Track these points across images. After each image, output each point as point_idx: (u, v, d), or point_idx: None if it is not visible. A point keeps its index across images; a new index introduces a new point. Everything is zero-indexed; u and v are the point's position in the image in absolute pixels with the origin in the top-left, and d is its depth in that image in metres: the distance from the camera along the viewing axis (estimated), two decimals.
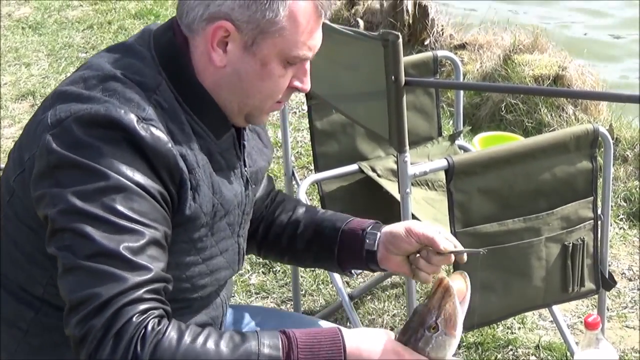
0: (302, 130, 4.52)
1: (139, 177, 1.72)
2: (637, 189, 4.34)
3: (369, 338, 1.64)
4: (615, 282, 2.97)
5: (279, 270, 3.72)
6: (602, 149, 2.84)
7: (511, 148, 2.82)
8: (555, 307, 3.05)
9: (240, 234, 2.15)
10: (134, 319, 1.57)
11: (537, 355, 3.19)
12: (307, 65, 1.98)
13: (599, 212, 2.85)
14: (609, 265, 2.95)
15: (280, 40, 1.88)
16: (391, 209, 2.98)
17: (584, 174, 2.76)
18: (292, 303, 3.43)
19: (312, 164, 3.49)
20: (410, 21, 6.16)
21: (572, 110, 4.96)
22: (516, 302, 2.80)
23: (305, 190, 3.19)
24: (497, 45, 5.89)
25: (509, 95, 5.10)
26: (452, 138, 3.47)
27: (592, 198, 2.78)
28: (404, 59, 2.67)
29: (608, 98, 5.03)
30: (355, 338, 1.64)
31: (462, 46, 5.99)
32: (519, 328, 3.34)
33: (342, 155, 3.30)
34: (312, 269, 3.70)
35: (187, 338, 1.61)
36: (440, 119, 3.55)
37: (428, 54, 3.45)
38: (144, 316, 1.60)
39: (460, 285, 1.62)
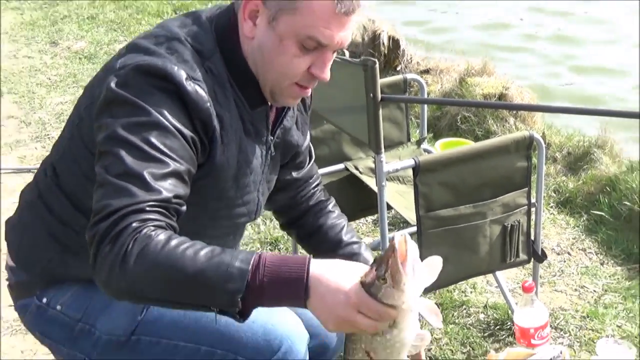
0: None
1: (176, 122, 1.68)
2: (564, 183, 4.38)
3: (336, 271, 1.46)
4: (545, 256, 2.99)
5: (283, 249, 3.72)
6: (537, 151, 2.85)
7: (464, 150, 2.85)
8: (499, 275, 3.09)
9: (260, 190, 2.05)
10: (133, 224, 1.52)
11: (485, 313, 3.20)
12: (328, 56, 1.81)
13: (533, 200, 2.87)
14: (542, 243, 2.99)
15: (296, 19, 1.74)
16: (370, 199, 3.00)
17: (521, 170, 2.78)
18: None
19: None
20: (386, 51, 6.17)
21: (513, 121, 4.98)
22: (466, 269, 2.84)
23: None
24: (454, 70, 5.90)
25: (464, 109, 5.13)
26: (418, 143, 3.49)
27: (526, 189, 2.81)
28: (380, 81, 2.71)
29: (539, 109, 5.10)
30: (323, 267, 1.46)
31: (427, 71, 6.00)
32: (471, 292, 3.36)
33: (331, 157, 3.30)
34: None
35: (172, 243, 1.52)
36: (409, 128, 3.56)
37: (399, 76, 3.47)
38: (143, 224, 1.54)
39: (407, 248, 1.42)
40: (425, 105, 3.72)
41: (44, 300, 1.98)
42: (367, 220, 3.83)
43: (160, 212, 1.59)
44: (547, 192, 4.18)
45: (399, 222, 3.38)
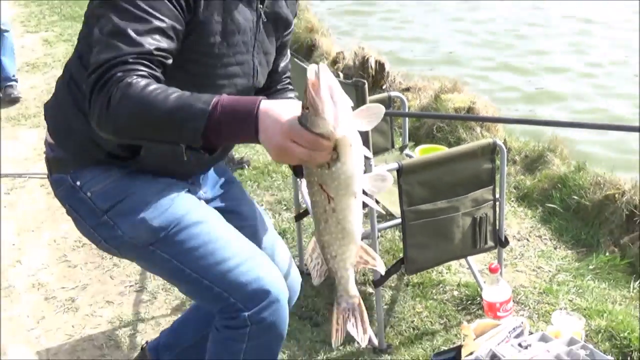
0: None
1: None
2: (523, 181, 4.40)
3: (281, 107, 1.36)
4: (508, 242, 2.99)
5: (290, 238, 3.71)
6: (499, 155, 2.84)
7: (439, 155, 2.87)
8: (470, 259, 3.08)
9: (254, 55, 1.94)
10: (118, 73, 1.52)
11: (458, 290, 3.20)
12: None
13: (497, 196, 2.86)
14: (505, 231, 2.98)
15: None
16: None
17: (487, 171, 2.78)
18: (298, 258, 3.41)
19: None
20: (373, 73, 6.16)
21: (479, 130, 5.00)
22: (443, 255, 2.84)
23: (305, 185, 3.19)
24: (430, 88, 5.91)
25: (439, 120, 5.14)
26: (401, 149, 3.50)
27: (492, 187, 2.80)
28: (369, 98, 2.71)
29: (500, 121, 5.12)
30: (271, 104, 1.38)
31: (407, 89, 5.99)
32: (447, 273, 3.34)
33: None
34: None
35: (150, 88, 1.51)
36: (393, 136, 3.57)
37: (384, 94, 3.49)
38: (126, 73, 1.53)
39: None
40: (407, 118, 3.73)
41: (77, 183, 1.94)
42: None
43: (143, 63, 1.57)
44: (508, 189, 4.19)
45: (385, 215, 3.37)
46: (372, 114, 1.33)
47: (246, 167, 4.51)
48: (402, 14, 10.70)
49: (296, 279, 2.25)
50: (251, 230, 2.18)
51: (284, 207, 4.09)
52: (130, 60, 1.56)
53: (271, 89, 2.15)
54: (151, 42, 1.60)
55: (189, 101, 1.46)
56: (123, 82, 1.51)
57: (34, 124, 5.43)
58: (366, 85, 2.65)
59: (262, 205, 4.04)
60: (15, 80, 5.98)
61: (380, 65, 6.23)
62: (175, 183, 2.01)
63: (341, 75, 6.34)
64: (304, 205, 3.30)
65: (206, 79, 1.85)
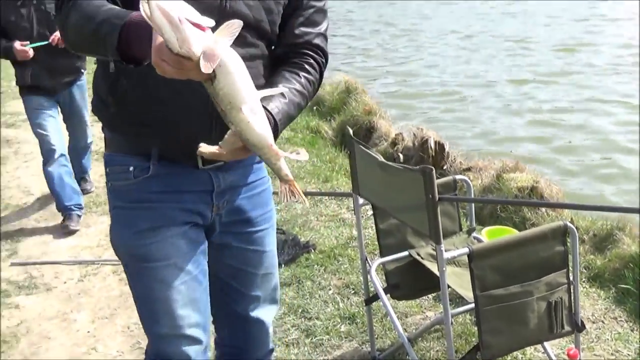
0: (368, 228, 4.47)
1: None
2: (593, 261, 4.31)
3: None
4: (584, 326, 2.92)
5: (360, 322, 3.69)
6: (570, 236, 2.78)
7: (510, 239, 2.82)
8: (546, 343, 3.01)
9: None
10: None
11: None
12: None
13: (571, 278, 2.81)
14: (579, 314, 2.92)
15: None
16: (431, 280, 2.99)
17: (559, 254, 2.73)
18: (369, 344, 3.38)
19: (378, 251, 3.44)
20: (433, 154, 6.20)
21: (544, 209, 4.95)
22: (519, 341, 2.75)
23: (374, 269, 3.22)
24: (491, 167, 5.90)
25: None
26: (469, 232, 3.47)
27: (565, 270, 2.74)
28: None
29: (569, 207, 5.06)
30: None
31: (468, 169, 6.00)
32: (522, 358, 3.27)
33: (397, 245, 3.31)
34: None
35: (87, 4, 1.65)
36: (460, 219, 3.56)
37: (449, 178, 3.48)
38: None
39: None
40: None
41: (107, 169, 2.06)
42: (428, 297, 3.81)
43: None
44: (579, 269, 4.10)
45: (455, 298, 3.34)
46: (233, 29, 1.48)
47: (312, 250, 4.54)
48: (459, 95, 10.82)
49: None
50: (246, 279, 2.20)
51: (352, 291, 4.05)
52: None
53: (286, 58, 2.02)
54: None
55: (112, 13, 1.59)
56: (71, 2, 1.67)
57: (104, 211, 5.53)
58: (433, 172, 2.64)
59: (329, 289, 4.06)
60: (88, 175, 6.06)
61: (440, 146, 6.27)
62: (181, 215, 2.00)
63: (401, 156, 6.42)
64: (372, 289, 3.30)
65: None
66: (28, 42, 4.79)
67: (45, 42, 4.82)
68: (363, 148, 3.08)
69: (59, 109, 5.36)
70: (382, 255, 3.32)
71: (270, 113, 1.78)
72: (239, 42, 1.78)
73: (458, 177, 3.58)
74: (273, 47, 2.03)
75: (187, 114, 1.85)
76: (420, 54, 14.10)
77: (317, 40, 2.03)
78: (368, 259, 3.34)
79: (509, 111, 9.83)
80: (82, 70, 5.32)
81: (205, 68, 1.42)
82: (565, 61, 12.78)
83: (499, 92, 10.79)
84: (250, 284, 2.21)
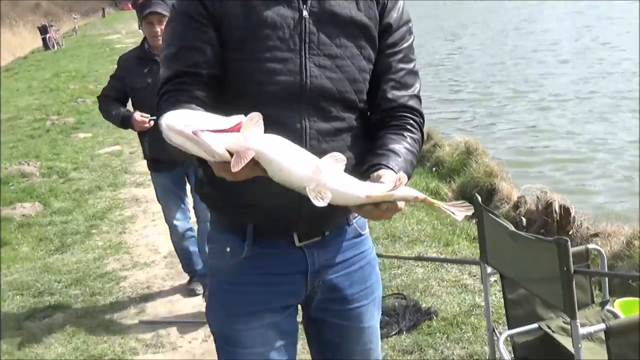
0: (491, 296, 4.33)
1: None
2: None
3: None
4: None
5: None
6: None
7: None
8: None
9: (305, 54, 1.77)
10: (159, 102, 1.76)
11: None
12: None
13: None
14: None
15: None
16: (565, 356, 2.89)
17: None
18: None
19: (503, 321, 3.34)
20: (558, 217, 6.03)
21: None
22: None
23: (502, 341, 3.13)
24: (620, 233, 5.67)
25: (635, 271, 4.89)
26: (602, 305, 3.34)
27: None
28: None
29: None
30: None
31: (596, 234, 5.79)
32: None
33: (526, 317, 3.21)
34: None
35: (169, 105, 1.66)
36: (592, 291, 3.43)
37: (582, 247, 3.34)
38: (162, 99, 1.74)
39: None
40: None
41: (210, 244, 2.11)
42: None
43: (173, 89, 1.76)
44: None
45: None
46: (255, 121, 1.44)
47: (434, 317, 4.46)
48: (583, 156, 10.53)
49: None
50: (343, 352, 2.11)
51: None
52: (171, 88, 1.75)
53: (385, 123, 1.92)
54: (188, 67, 1.75)
55: None
56: (160, 109, 1.71)
57: None
58: (569, 243, 2.57)
59: (453, 359, 3.95)
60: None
61: (565, 210, 6.10)
62: (275, 299, 1.96)
63: (524, 220, 6.27)
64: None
65: (243, 76, 1.78)
66: (149, 115, 4.35)
67: None
68: (492, 216, 3.05)
69: (186, 179, 4.88)
70: (509, 326, 3.24)
71: (393, 170, 1.70)
72: (323, 117, 1.82)
73: (590, 246, 3.47)
74: (368, 114, 1.96)
75: (278, 192, 1.74)
76: (543, 112, 13.81)
77: (411, 102, 1.94)
78: (495, 330, 3.27)
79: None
80: None
81: (235, 168, 1.40)
82: None
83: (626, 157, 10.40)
84: (348, 358, 2.13)
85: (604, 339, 2.54)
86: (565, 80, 17.08)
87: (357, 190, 1.51)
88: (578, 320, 2.59)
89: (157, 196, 4.96)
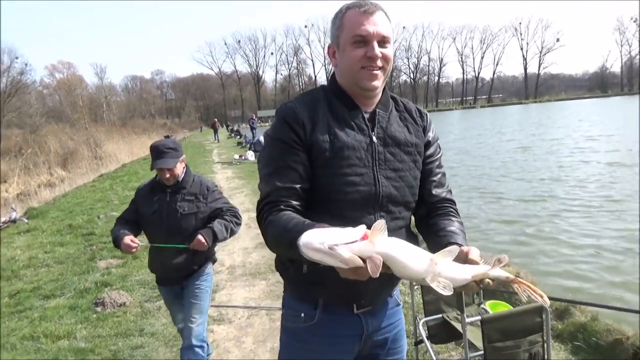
0: (416, 296, 4.25)
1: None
2: (555, 326, 3.93)
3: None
4: None
5: (410, 357, 3.43)
6: (545, 312, 2.53)
7: (507, 312, 2.59)
8: None
9: (376, 169, 1.50)
10: (264, 212, 1.42)
11: None
12: (373, 44, 1.44)
13: (544, 338, 2.55)
14: None
15: (344, 32, 1.46)
16: (457, 334, 2.85)
17: (538, 322, 2.50)
18: None
19: (423, 312, 3.23)
20: None
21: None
22: None
23: (421, 324, 3.05)
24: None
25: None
26: (479, 304, 3.26)
27: (541, 332, 2.52)
28: None
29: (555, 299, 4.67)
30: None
31: None
32: None
33: (435, 310, 3.12)
34: None
35: (281, 222, 1.33)
36: (474, 296, 3.37)
37: None
38: (270, 209, 1.40)
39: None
40: None
41: (283, 310, 1.68)
42: (453, 344, 3.57)
43: (280, 201, 1.43)
44: None
45: (471, 346, 3.16)
46: (381, 228, 1.14)
47: None
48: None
49: None
50: None
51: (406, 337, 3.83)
52: (271, 200, 1.42)
53: (432, 214, 1.60)
54: (284, 183, 1.43)
55: (292, 232, 1.25)
56: (266, 221, 1.39)
57: (264, 277, 5.41)
58: None
59: None
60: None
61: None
62: (337, 356, 1.59)
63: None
64: (419, 336, 3.15)
65: (328, 187, 1.46)
66: (138, 242, 2.87)
67: (182, 246, 2.87)
68: None
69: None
70: (425, 315, 3.19)
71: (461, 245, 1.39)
72: (390, 218, 1.52)
73: None
74: (415, 209, 1.62)
75: (346, 281, 1.37)
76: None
77: (448, 196, 1.64)
78: (417, 317, 3.25)
79: None
80: (208, 263, 3.07)
81: (374, 272, 1.09)
82: None
83: None
84: None
85: (480, 325, 2.53)
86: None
87: (465, 273, 1.22)
88: (465, 313, 2.60)
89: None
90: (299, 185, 1.44)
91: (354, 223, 1.24)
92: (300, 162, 1.46)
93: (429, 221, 1.59)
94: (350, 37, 1.46)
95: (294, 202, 1.43)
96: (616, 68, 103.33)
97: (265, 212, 1.43)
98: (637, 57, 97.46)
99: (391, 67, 1.52)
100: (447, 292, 1.12)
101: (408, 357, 3.45)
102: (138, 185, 3.10)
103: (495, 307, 3.28)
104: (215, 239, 2.88)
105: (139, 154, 24.14)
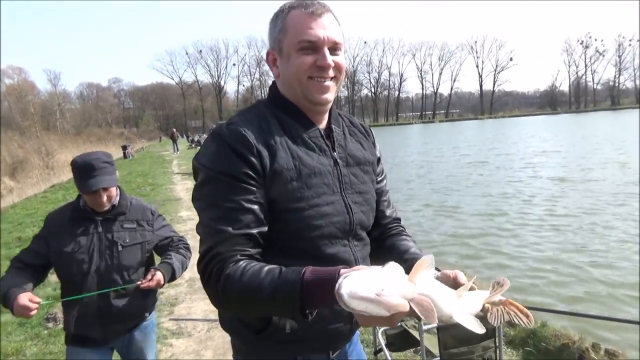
0: None
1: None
2: (508, 332, 4.07)
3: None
4: None
5: None
6: None
7: None
8: None
9: (345, 194, 1.28)
10: (215, 267, 1.11)
11: None
12: (324, 51, 1.21)
13: (497, 344, 2.66)
14: None
15: (289, 37, 1.21)
16: (415, 342, 2.92)
17: (490, 329, 2.61)
18: None
19: None
20: None
21: None
22: None
23: (380, 333, 3.08)
24: (457, 265, 5.71)
25: None
26: None
27: (494, 338, 2.63)
28: None
29: None
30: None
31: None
32: None
33: None
34: None
35: (245, 277, 1.06)
36: None
37: None
38: (222, 264, 1.10)
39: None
40: None
41: None
42: (411, 351, 3.64)
43: (235, 250, 1.13)
44: None
45: (428, 353, 3.25)
46: (426, 265, 0.96)
47: None
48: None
49: None
50: None
51: (365, 345, 3.79)
52: (222, 250, 1.10)
53: (385, 235, 1.44)
54: (238, 229, 1.12)
55: (280, 284, 1.01)
56: (222, 275, 1.08)
57: None
58: None
59: None
60: None
61: None
62: None
63: None
64: (379, 345, 3.19)
65: (301, 222, 1.21)
66: (41, 300, 2.00)
67: (131, 286, 2.19)
68: None
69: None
70: None
71: (438, 269, 1.23)
72: (362, 245, 1.34)
73: None
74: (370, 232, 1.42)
75: (331, 329, 1.29)
76: None
77: (397, 215, 1.51)
78: (376, 327, 3.29)
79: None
80: (148, 313, 2.36)
81: (428, 316, 0.91)
82: None
83: None
84: None
85: (436, 332, 2.60)
86: None
87: (479, 303, 1.07)
88: (422, 321, 2.67)
89: None
90: (256, 230, 1.15)
91: (331, 260, 1.13)
92: (256, 200, 1.16)
93: (383, 243, 1.42)
94: (297, 42, 1.21)
95: (252, 251, 1.14)
96: (565, 87, 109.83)
97: (216, 266, 1.10)
98: (584, 77, 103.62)
99: (344, 76, 1.30)
100: (480, 330, 0.98)
101: None
102: (47, 215, 2.27)
103: None
104: (172, 278, 2.28)
105: None
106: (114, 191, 2.22)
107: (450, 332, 2.59)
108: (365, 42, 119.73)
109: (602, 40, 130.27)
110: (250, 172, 1.16)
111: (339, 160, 1.30)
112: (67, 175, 19.79)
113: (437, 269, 1.16)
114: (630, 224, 8.37)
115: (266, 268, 1.06)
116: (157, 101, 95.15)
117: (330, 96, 1.27)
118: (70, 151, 24.32)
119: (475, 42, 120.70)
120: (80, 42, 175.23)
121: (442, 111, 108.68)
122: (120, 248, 2.20)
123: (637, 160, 15.42)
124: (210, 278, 1.10)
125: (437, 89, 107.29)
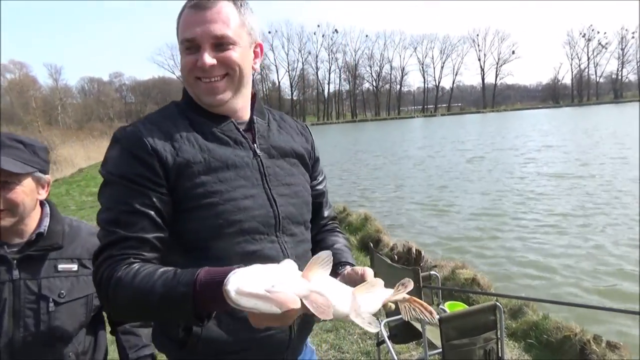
0: None
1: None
2: (510, 325, 4.10)
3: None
4: None
5: (373, 357, 3.52)
6: (498, 310, 2.66)
7: (463, 311, 2.71)
8: None
9: (268, 187, 1.21)
10: (106, 272, 1.03)
11: None
12: (204, 50, 1.12)
13: (499, 335, 2.68)
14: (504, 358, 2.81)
15: (179, 37, 1.16)
16: (417, 333, 2.91)
17: (492, 321, 2.62)
18: None
19: (385, 313, 3.35)
20: (414, 256, 6.09)
21: (481, 290, 4.78)
22: None
23: (383, 324, 3.12)
24: (448, 265, 5.74)
25: (456, 285, 4.91)
26: (438, 305, 3.39)
27: (495, 330, 2.65)
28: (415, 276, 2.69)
29: (496, 295, 4.80)
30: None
31: (435, 265, 5.85)
32: None
33: (396, 310, 3.22)
34: None
35: (137, 280, 0.98)
36: (433, 297, 3.47)
37: (427, 272, 3.39)
38: (113, 267, 1.03)
39: None
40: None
41: None
42: (413, 343, 3.68)
43: (128, 253, 1.06)
44: None
45: (430, 345, 3.27)
46: (321, 263, 0.91)
47: None
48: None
49: None
50: None
51: (368, 337, 3.83)
52: (115, 252, 1.04)
53: (320, 232, 1.41)
54: (131, 232, 1.06)
55: (174, 286, 0.93)
56: (113, 279, 1.00)
57: None
58: (419, 270, 2.69)
59: (355, 335, 3.91)
60: None
61: (418, 252, 6.20)
62: None
63: (395, 257, 6.37)
64: (381, 337, 3.20)
65: (218, 219, 1.12)
66: None
67: None
68: (378, 255, 3.16)
69: None
70: (387, 316, 3.26)
71: (352, 264, 1.26)
72: (295, 242, 1.24)
73: (432, 272, 3.59)
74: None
75: (264, 337, 1.19)
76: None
77: (333, 214, 1.48)
78: (379, 318, 3.32)
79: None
80: None
81: (323, 313, 0.86)
82: None
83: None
84: None
85: (438, 324, 2.61)
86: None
87: (378, 302, 1.06)
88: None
89: None
90: (152, 235, 1.07)
91: (256, 257, 1.07)
92: (152, 205, 1.08)
93: (315, 239, 1.38)
94: (180, 41, 1.15)
95: (149, 255, 1.06)
96: (567, 80, 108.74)
97: (107, 269, 1.02)
98: (587, 70, 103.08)
99: (246, 69, 1.19)
100: (374, 329, 0.95)
101: (371, 358, 3.54)
102: None
103: (453, 307, 3.40)
104: None
105: (96, 158, 23.36)
106: (21, 194, 1.36)
107: (452, 324, 2.61)
108: (366, 36, 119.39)
109: (604, 33, 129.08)
110: (148, 174, 1.08)
111: (259, 152, 1.23)
112: (70, 169, 19.80)
113: (350, 264, 1.17)
114: (631, 221, 8.34)
115: (160, 270, 0.98)
116: (159, 95, 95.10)
117: (224, 96, 1.19)
118: (73, 146, 24.28)
119: (477, 35, 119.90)
120: (81, 36, 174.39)
121: (444, 105, 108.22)
122: (51, 307, 1.37)
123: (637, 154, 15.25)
124: (101, 282, 1.02)
125: (439, 83, 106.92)
